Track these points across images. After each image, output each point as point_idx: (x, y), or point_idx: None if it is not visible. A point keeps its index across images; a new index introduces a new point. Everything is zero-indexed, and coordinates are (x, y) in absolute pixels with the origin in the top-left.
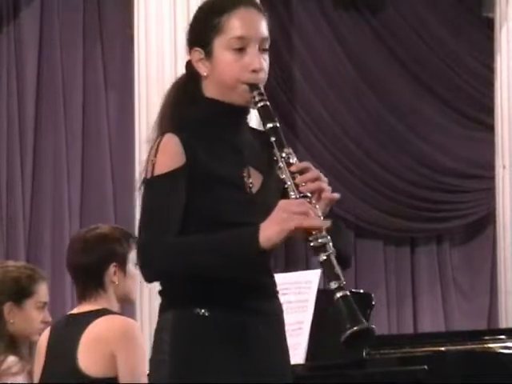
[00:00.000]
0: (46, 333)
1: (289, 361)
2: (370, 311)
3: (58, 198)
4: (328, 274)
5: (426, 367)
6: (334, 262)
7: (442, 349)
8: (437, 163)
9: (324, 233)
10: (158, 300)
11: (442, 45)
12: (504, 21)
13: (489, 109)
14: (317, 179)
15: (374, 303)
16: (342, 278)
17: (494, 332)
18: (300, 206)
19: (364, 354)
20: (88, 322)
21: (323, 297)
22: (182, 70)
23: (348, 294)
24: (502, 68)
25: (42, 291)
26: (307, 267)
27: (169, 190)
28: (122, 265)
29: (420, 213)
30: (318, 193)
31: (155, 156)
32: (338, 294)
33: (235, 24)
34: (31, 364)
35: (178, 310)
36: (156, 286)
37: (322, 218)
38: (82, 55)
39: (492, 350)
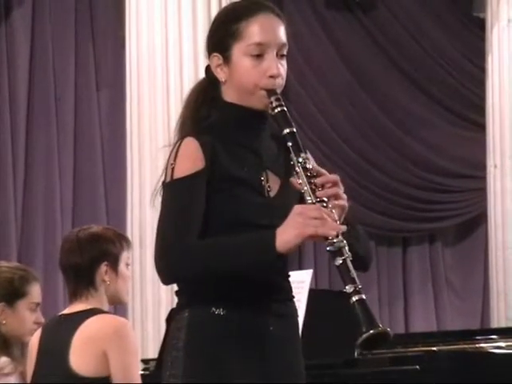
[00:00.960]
0: (38, 333)
1: (303, 362)
2: None
3: (50, 197)
4: (344, 278)
5: (417, 367)
6: (350, 265)
7: (434, 348)
8: (429, 163)
9: (340, 237)
10: (149, 300)
11: (434, 44)
12: (495, 21)
13: (480, 108)
14: (334, 185)
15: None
16: (358, 282)
17: (486, 332)
18: (316, 211)
19: (356, 354)
20: (80, 322)
21: (315, 296)
22: (173, 70)
23: (364, 297)
24: (494, 68)
25: (35, 292)
26: (300, 267)
27: (189, 193)
28: (114, 265)
29: (412, 212)
30: (334, 198)
31: (175, 160)
32: (354, 298)
33: (254, 30)
34: (23, 365)
35: (194, 309)
36: (148, 287)
37: (338, 222)
38: (73, 55)
39: (484, 350)
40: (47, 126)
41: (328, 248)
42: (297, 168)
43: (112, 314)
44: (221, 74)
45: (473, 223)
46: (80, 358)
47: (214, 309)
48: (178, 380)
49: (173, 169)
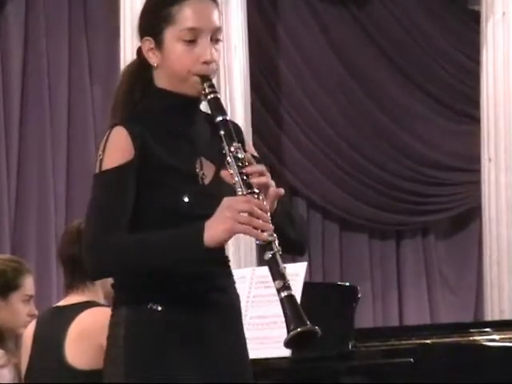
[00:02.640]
0: (32, 325)
1: (246, 352)
2: (356, 304)
3: (44, 190)
4: (273, 273)
5: (411, 360)
6: (279, 260)
7: (428, 341)
8: (423, 156)
9: (270, 231)
10: None
11: (428, 38)
12: (490, 14)
13: (475, 102)
14: (262, 174)
15: (359, 296)
16: (287, 278)
17: (480, 325)
18: (245, 204)
19: (350, 346)
20: (75, 314)
21: (309, 289)
22: None
23: (293, 293)
24: (488, 61)
25: (28, 284)
26: (294, 260)
27: (116, 185)
28: None
29: (406, 206)
30: (264, 188)
31: (102, 151)
32: (283, 294)
33: (187, 15)
34: (17, 357)
35: (131, 305)
36: None
37: (268, 213)
38: (67, 48)
39: (477, 343)
40: (41, 119)
41: (257, 242)
42: (228, 158)
43: (108, 306)
44: (153, 59)
45: (466, 216)
46: (75, 350)
47: (151, 304)
48: (119, 378)
49: (101, 160)
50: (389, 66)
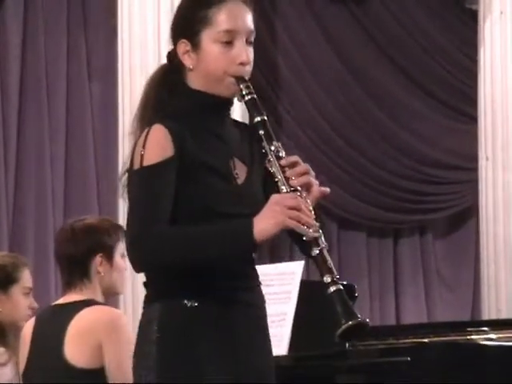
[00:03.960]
0: (31, 323)
1: (271, 351)
2: (354, 302)
3: (42, 189)
4: (321, 269)
5: (408, 358)
6: (327, 255)
7: (425, 340)
8: (420, 154)
9: (316, 227)
10: (141, 291)
11: (427, 36)
12: (488, 13)
13: (472, 100)
14: (306, 173)
15: (357, 294)
16: (335, 272)
17: (477, 323)
18: (293, 200)
19: (347, 345)
20: (74, 313)
21: (306, 288)
22: (165, 61)
23: (341, 288)
24: (486, 60)
25: (26, 276)
26: (291, 258)
27: (159, 180)
28: (109, 256)
29: (403, 204)
30: (307, 187)
31: (143, 147)
32: (332, 289)
33: (223, 17)
34: (17, 354)
35: (165, 301)
36: (139, 277)
37: (312, 211)
38: (65, 45)
39: (475, 342)
40: (39, 117)
41: (304, 238)
42: (270, 157)
43: (107, 305)
44: (188, 61)
45: (464, 215)
46: (74, 348)
47: (186, 301)
48: (151, 374)
49: (142, 155)
50: (387, 64)
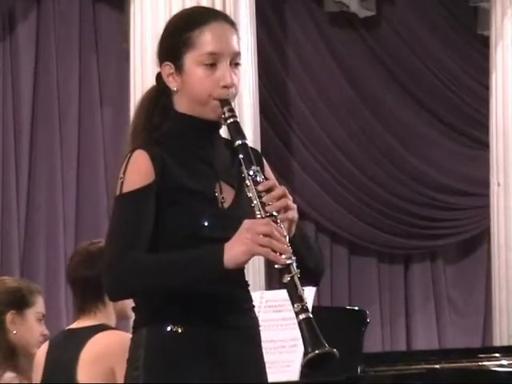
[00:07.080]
0: (44, 348)
1: (265, 376)
2: (365, 328)
3: (53, 212)
4: (291, 296)
5: None
6: (298, 283)
7: (436, 366)
8: (431, 180)
9: (288, 254)
10: None
11: (438, 62)
12: (499, 39)
13: (484, 126)
14: (282, 197)
15: (368, 320)
16: (305, 300)
17: (488, 350)
18: (265, 226)
19: (358, 370)
20: (87, 338)
21: (317, 314)
22: None
23: (311, 316)
24: (498, 86)
25: (40, 302)
26: (302, 284)
27: (136, 207)
28: None
29: (414, 230)
30: (284, 211)
31: (124, 173)
32: (301, 317)
33: (207, 39)
34: (29, 378)
35: (151, 327)
36: None
37: (287, 237)
38: (77, 69)
39: (486, 368)
40: (50, 140)
41: (276, 265)
42: (247, 181)
43: (119, 329)
44: (173, 83)
45: (475, 241)
46: (88, 374)
47: (171, 326)
48: None
49: (122, 182)
50: (398, 90)
